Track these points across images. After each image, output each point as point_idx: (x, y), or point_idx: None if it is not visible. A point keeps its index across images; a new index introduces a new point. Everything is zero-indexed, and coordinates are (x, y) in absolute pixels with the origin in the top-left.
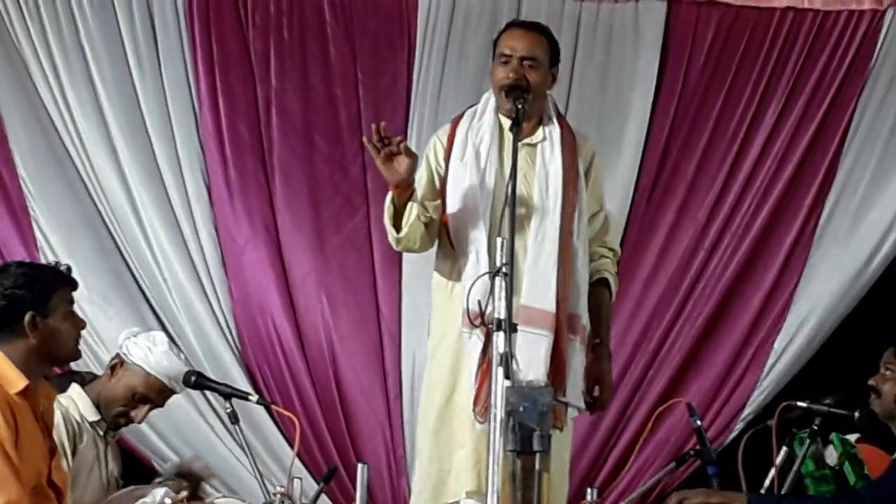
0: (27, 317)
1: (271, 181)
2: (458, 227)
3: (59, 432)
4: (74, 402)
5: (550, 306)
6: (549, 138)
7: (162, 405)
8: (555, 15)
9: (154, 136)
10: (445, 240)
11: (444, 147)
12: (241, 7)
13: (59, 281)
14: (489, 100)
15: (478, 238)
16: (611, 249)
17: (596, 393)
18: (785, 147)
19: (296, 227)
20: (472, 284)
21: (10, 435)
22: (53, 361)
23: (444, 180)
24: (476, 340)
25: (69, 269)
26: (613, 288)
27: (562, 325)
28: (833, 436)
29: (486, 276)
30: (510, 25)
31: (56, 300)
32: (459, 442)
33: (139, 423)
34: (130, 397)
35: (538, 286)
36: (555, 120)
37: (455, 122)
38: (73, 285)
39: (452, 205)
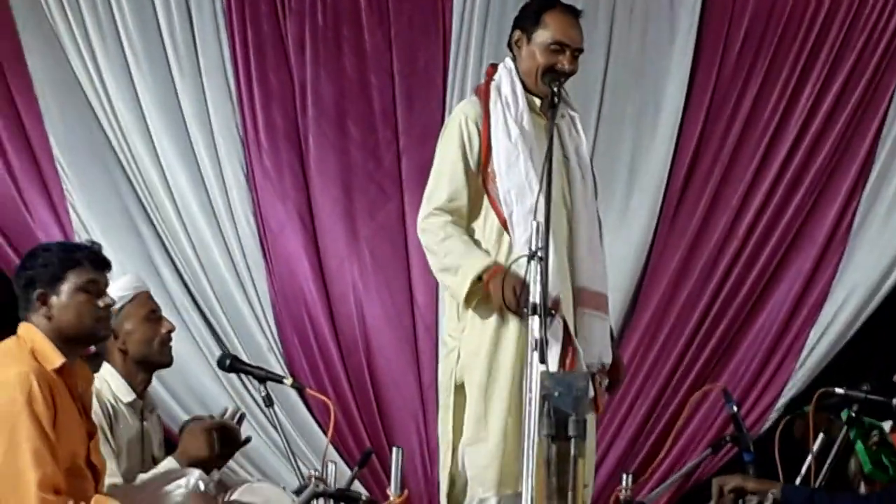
0: (36, 293)
1: (307, 168)
2: (514, 210)
3: (96, 413)
4: (107, 383)
5: (605, 289)
6: (570, 117)
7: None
8: (591, 0)
9: (191, 122)
10: (489, 224)
11: (481, 126)
12: None
13: (78, 259)
14: (514, 78)
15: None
16: None
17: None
18: (820, 134)
19: (330, 215)
20: (546, 266)
21: (48, 413)
22: (72, 340)
23: (486, 161)
24: (556, 325)
25: (99, 246)
26: None
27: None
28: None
29: (555, 259)
30: (557, 6)
31: (71, 276)
32: None
33: (173, 329)
34: (148, 325)
35: (596, 268)
36: (569, 100)
37: (485, 99)
38: (98, 264)
39: (508, 187)
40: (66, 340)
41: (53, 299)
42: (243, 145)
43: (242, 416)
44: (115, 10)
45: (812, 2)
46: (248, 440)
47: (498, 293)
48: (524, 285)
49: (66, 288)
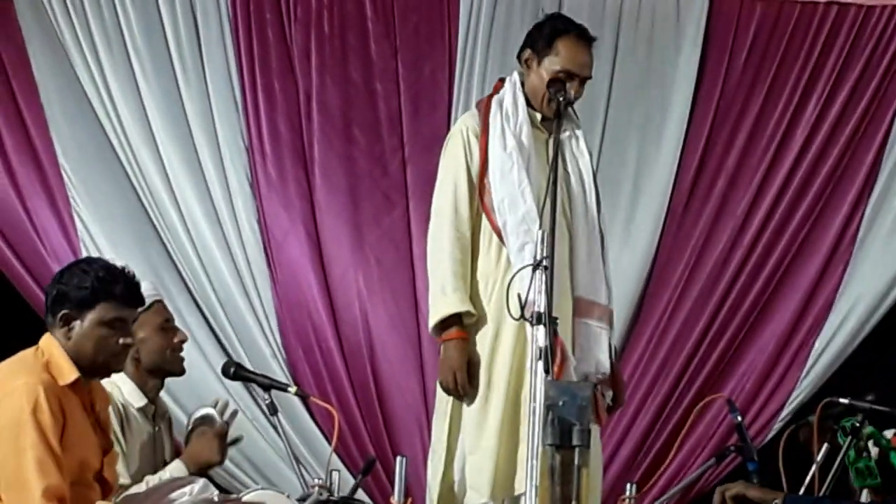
0: (62, 313)
1: (311, 176)
2: (508, 220)
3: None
4: (118, 388)
5: (605, 300)
6: (573, 133)
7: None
8: (597, 8)
9: (196, 130)
10: (487, 236)
11: (479, 139)
12: (282, 0)
13: (113, 293)
14: (517, 92)
15: (531, 229)
16: None
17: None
18: (825, 143)
19: (335, 223)
20: (537, 275)
21: (55, 425)
22: (84, 368)
23: (483, 172)
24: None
25: (137, 281)
26: None
27: (612, 319)
28: (870, 430)
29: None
30: (571, 33)
31: (100, 308)
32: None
33: (185, 339)
34: (162, 334)
35: (595, 280)
36: (573, 116)
37: (486, 112)
38: (131, 300)
39: (502, 196)
40: (78, 366)
41: (76, 324)
42: (248, 153)
43: (235, 412)
44: (120, 18)
45: (818, 11)
46: (238, 439)
47: (444, 367)
48: (471, 366)
49: (91, 317)
